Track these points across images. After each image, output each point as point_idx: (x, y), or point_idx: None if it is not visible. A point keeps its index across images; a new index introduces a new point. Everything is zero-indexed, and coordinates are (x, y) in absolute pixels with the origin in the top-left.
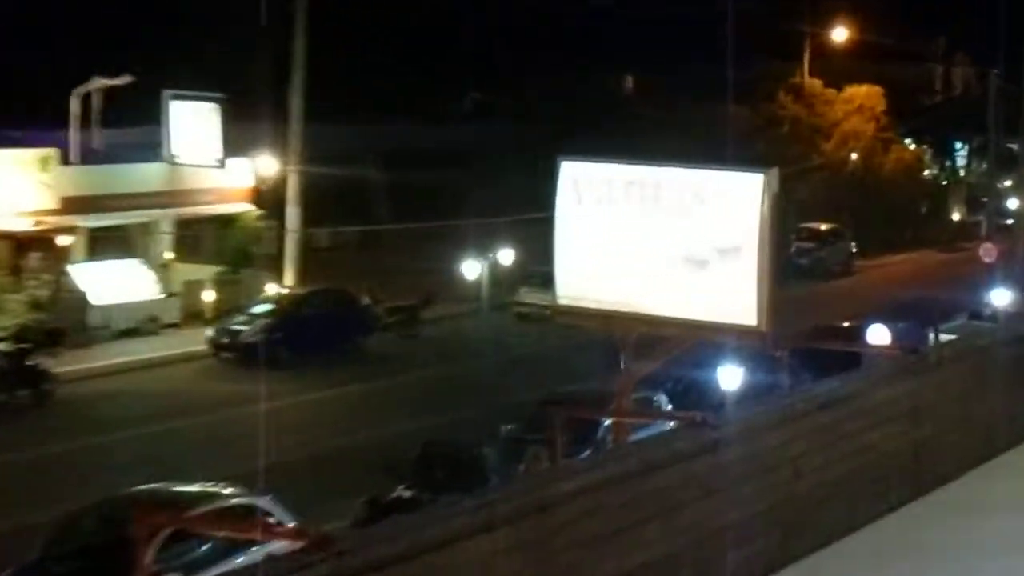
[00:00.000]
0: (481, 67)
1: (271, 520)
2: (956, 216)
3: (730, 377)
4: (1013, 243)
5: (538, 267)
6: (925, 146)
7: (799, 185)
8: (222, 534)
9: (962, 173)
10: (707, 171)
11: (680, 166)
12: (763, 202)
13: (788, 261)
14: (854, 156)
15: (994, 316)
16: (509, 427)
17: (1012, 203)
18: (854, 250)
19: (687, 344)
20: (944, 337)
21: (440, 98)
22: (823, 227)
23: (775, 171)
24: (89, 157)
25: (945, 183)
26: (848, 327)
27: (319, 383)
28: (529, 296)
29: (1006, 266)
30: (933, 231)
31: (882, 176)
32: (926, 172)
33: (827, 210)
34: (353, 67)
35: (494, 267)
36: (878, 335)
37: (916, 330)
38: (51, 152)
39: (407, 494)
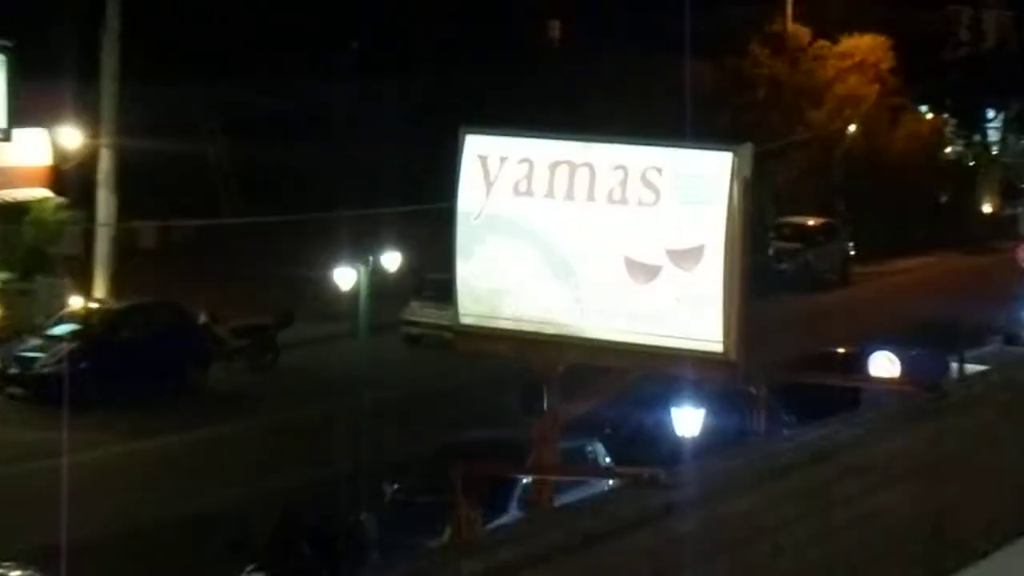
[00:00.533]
0: (364, 9)
1: None
2: (987, 208)
3: (688, 421)
4: None
5: (434, 274)
6: (946, 116)
7: (780, 167)
8: None
9: (995, 151)
10: (657, 148)
11: (622, 141)
12: (732, 189)
13: (765, 267)
14: (852, 128)
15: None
16: (395, 487)
17: None
18: (852, 252)
19: (632, 378)
20: (971, 368)
21: (308, 49)
22: (811, 222)
23: (748, 148)
24: None
25: (972, 164)
26: (844, 355)
27: (140, 430)
28: (422, 313)
29: None
30: (956, 227)
31: (889, 155)
32: (947, 150)
33: (817, 200)
34: (193, 8)
35: (376, 274)
36: (884, 365)
37: (934, 359)
38: None
39: None
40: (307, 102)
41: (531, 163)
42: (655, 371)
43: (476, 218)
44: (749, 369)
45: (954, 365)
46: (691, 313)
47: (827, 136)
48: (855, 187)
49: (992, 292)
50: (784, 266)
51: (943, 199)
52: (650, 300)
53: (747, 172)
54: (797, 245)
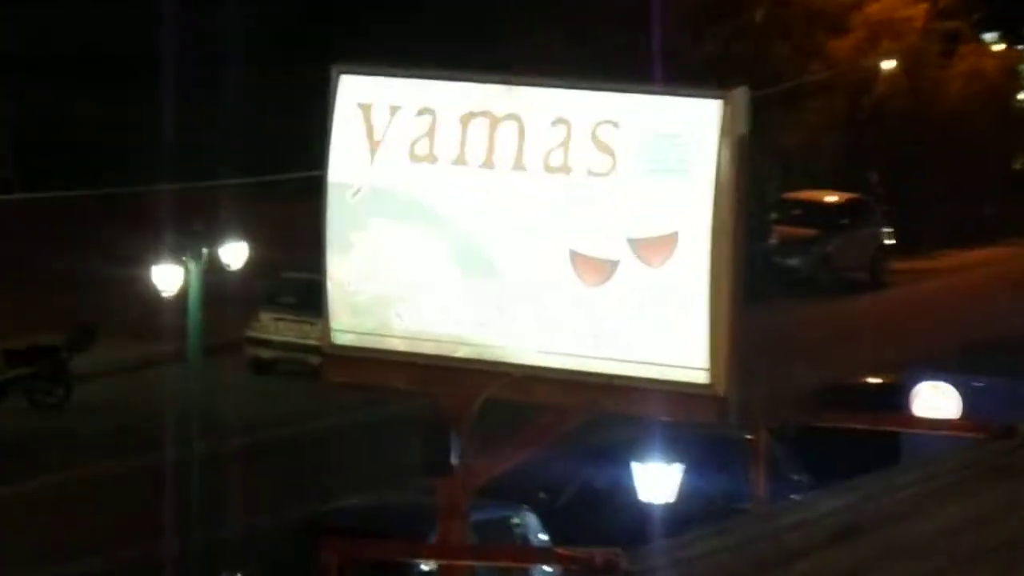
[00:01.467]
0: None
1: None
2: None
3: (658, 481)
4: None
5: (295, 273)
6: (1022, 47)
7: (787, 120)
8: None
9: None
10: (614, 94)
11: (563, 84)
12: (719, 153)
13: (767, 262)
14: (889, 65)
15: None
16: None
17: None
18: (889, 241)
19: (578, 420)
20: None
21: None
22: (831, 199)
23: (742, 94)
24: None
25: None
26: (878, 387)
27: None
28: (277, 328)
29: None
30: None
31: (942, 104)
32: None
33: (840, 167)
34: None
35: (213, 272)
36: (935, 401)
37: (1006, 392)
38: None
39: None
40: (121, 35)
41: (434, 115)
42: (611, 411)
43: (355, 194)
44: (744, 407)
45: None
46: (662, 327)
47: (854, 77)
48: (894, 149)
49: None
50: (793, 261)
51: (1018, 165)
52: (604, 309)
53: (741, 128)
54: (811, 232)
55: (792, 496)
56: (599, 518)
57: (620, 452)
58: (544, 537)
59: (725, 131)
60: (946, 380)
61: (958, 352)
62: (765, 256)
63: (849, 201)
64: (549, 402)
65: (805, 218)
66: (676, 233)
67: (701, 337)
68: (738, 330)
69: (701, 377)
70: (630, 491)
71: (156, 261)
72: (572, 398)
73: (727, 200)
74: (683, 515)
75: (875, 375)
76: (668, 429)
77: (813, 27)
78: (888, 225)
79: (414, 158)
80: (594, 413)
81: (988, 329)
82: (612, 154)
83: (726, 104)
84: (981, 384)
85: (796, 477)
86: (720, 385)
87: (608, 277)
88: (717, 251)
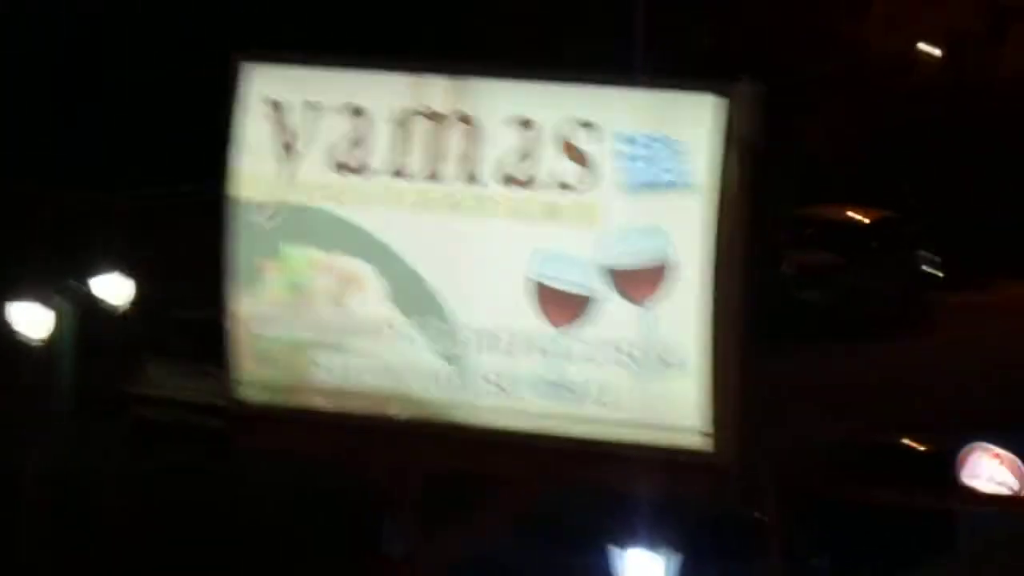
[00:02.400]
0: None
1: None
2: None
3: (643, 573)
4: None
5: (189, 311)
6: None
7: (803, 118)
8: None
9: None
10: (589, 88)
11: (527, 76)
12: (721, 160)
13: (778, 295)
14: (928, 50)
15: None
16: None
17: None
18: (931, 269)
19: (542, 494)
20: None
21: None
22: (859, 217)
23: (750, 88)
24: None
25: None
26: (922, 453)
27: None
28: (167, 383)
29: None
30: None
31: (996, 94)
32: None
33: (868, 177)
34: None
35: (82, 310)
36: (993, 471)
37: None
38: None
39: None
40: None
41: (366, 115)
42: (585, 483)
43: (266, 214)
44: (753, 477)
45: None
46: (649, 380)
47: (884, 62)
48: (936, 153)
49: None
50: (810, 295)
51: None
52: (576, 357)
53: (750, 129)
54: (834, 258)
55: None
56: None
57: (597, 536)
58: None
59: (729, 133)
60: (1003, 445)
61: (1020, 411)
62: (776, 288)
63: (880, 219)
64: (508, 473)
65: (824, 241)
66: (666, 262)
67: (699, 392)
68: (744, 382)
69: (699, 442)
70: None
71: (14, 298)
72: (537, 468)
73: (730, 220)
74: None
75: (914, 436)
76: (655, 507)
77: (832, 4)
78: (930, 250)
79: (339, 169)
80: (564, 486)
81: None
82: (586, 163)
83: (730, 101)
84: None
85: (815, 562)
86: (723, 452)
87: (580, 316)
88: (718, 285)
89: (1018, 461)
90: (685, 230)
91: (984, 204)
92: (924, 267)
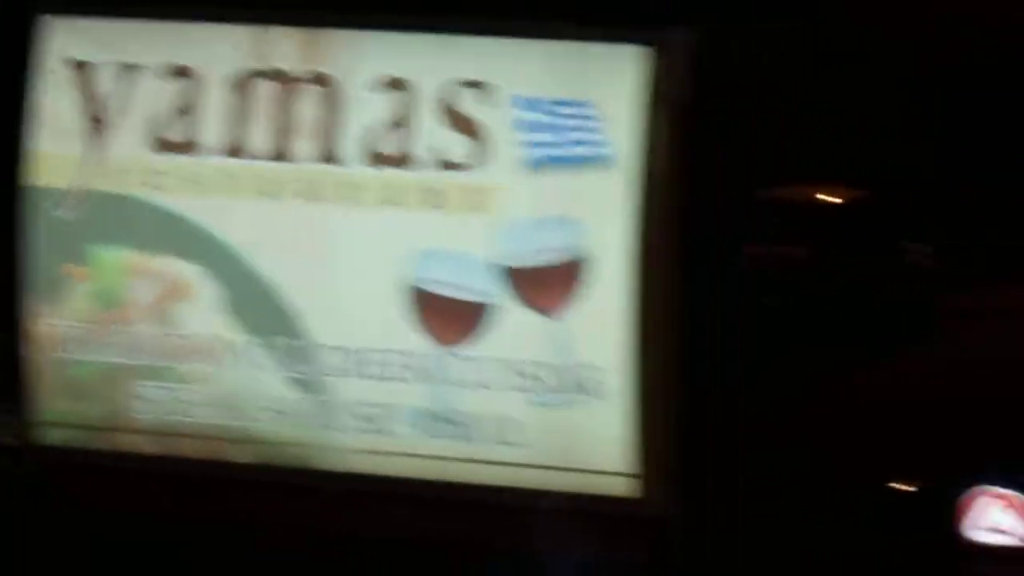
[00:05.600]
0: None
1: None
2: None
3: None
4: None
5: None
6: None
7: (762, 76)
8: None
9: None
10: (480, 39)
11: (401, 27)
12: (650, 129)
13: (733, 300)
14: None
15: None
16: None
17: None
18: (930, 265)
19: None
20: None
21: None
22: (832, 199)
23: (686, 35)
24: None
25: None
26: (911, 494)
27: None
28: None
29: None
30: None
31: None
32: None
33: (853, 148)
34: None
35: None
36: (999, 519)
37: None
38: None
39: None
40: None
41: (194, 78)
42: (484, 542)
43: (72, 208)
44: (698, 529)
45: None
46: (560, 408)
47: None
48: (942, 123)
49: None
50: (774, 297)
51: None
52: (472, 381)
53: (684, 89)
54: (802, 251)
55: None
56: None
57: None
58: None
59: (655, 95)
60: (1013, 487)
61: None
62: (731, 291)
63: (861, 201)
64: (383, 532)
65: (792, 230)
66: (579, 259)
67: (623, 425)
68: (684, 412)
69: (625, 488)
70: None
71: None
72: (420, 525)
73: (660, 205)
74: None
75: (904, 478)
76: (571, 567)
77: None
78: (928, 240)
79: (161, 147)
80: (457, 546)
81: None
82: (477, 134)
83: (657, 52)
84: None
85: None
86: (654, 499)
87: (473, 331)
88: (646, 287)
89: None
90: (603, 219)
91: (1004, 180)
92: (919, 262)
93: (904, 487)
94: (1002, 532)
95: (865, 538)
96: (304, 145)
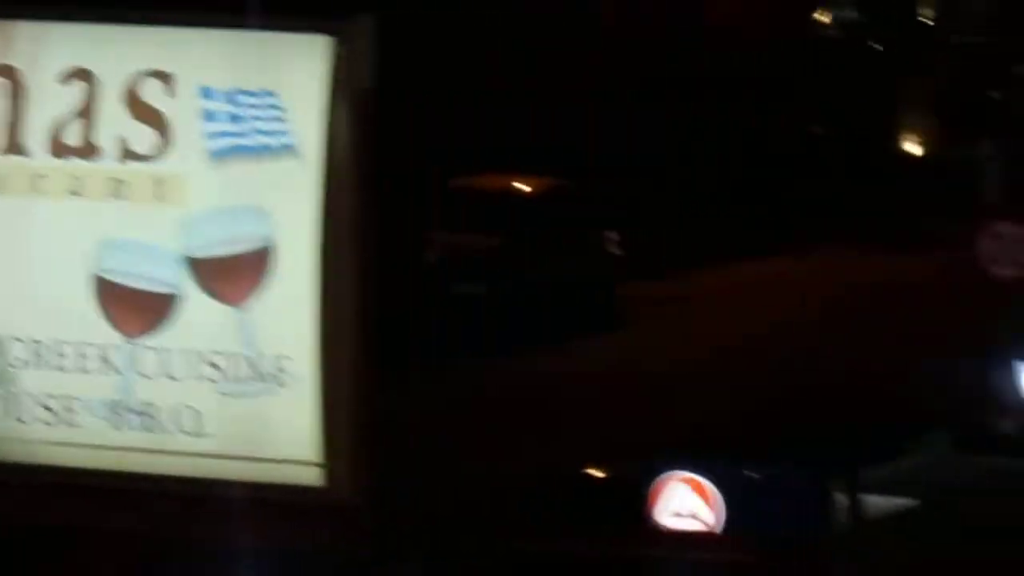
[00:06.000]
0: None
1: None
2: (914, 146)
3: None
4: None
5: None
6: None
7: (458, 67)
8: None
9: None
10: (164, 29)
11: (82, 16)
12: (332, 118)
13: (426, 286)
14: None
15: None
16: None
17: None
18: (619, 251)
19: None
20: (877, 504)
21: None
22: (524, 186)
23: (365, 25)
24: None
25: (882, 50)
26: (603, 481)
27: None
28: None
29: None
30: (851, 188)
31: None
32: (824, 17)
33: (544, 137)
34: None
35: None
36: (689, 503)
37: (798, 488)
38: None
39: None
40: None
41: None
42: (173, 534)
43: None
44: (388, 520)
45: (841, 499)
46: (246, 397)
47: None
48: (621, 96)
49: (930, 336)
50: (467, 286)
51: (819, 128)
52: (156, 371)
53: (367, 78)
54: (494, 240)
55: None
56: None
57: None
58: None
59: (338, 84)
60: (704, 472)
61: (725, 429)
62: (424, 280)
63: (553, 188)
64: (73, 523)
65: (485, 218)
66: (265, 249)
67: (310, 413)
68: (372, 400)
69: (312, 477)
70: None
71: None
72: (109, 516)
73: (344, 194)
74: None
75: (597, 465)
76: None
77: None
78: (616, 227)
79: None
80: (143, 535)
81: (773, 393)
82: (161, 124)
83: (340, 40)
84: (758, 478)
85: None
86: (340, 488)
87: (159, 321)
88: (333, 277)
89: (712, 487)
90: (288, 208)
91: (688, 167)
92: (609, 249)
93: (596, 473)
94: (690, 517)
95: (558, 524)
96: None
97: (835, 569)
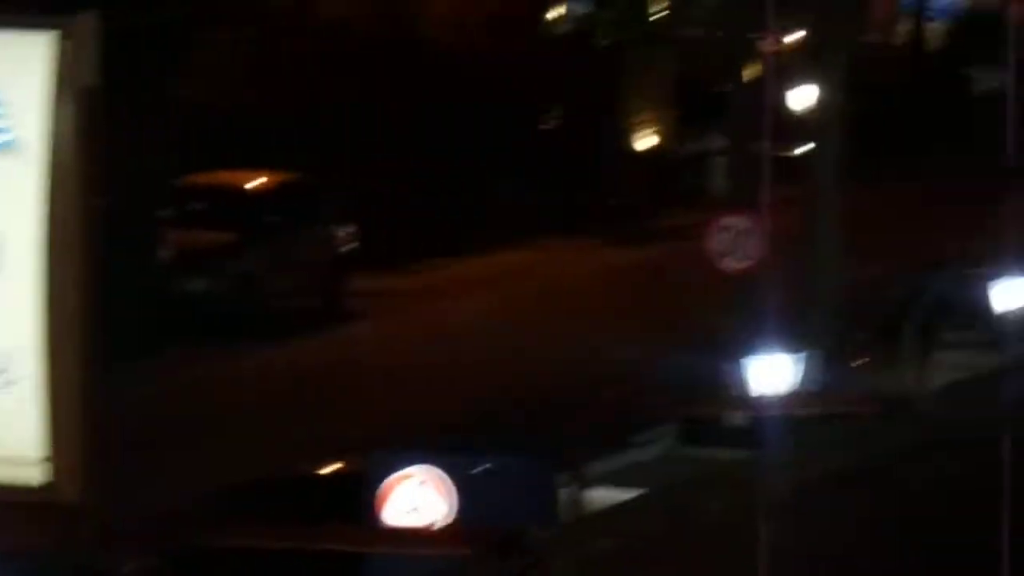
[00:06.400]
0: None
1: None
2: (645, 140)
3: None
4: (816, 210)
5: None
6: None
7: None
8: None
9: (658, 14)
10: None
11: None
12: (53, 114)
13: (156, 283)
14: None
15: (744, 428)
16: None
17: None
18: (350, 246)
19: None
20: (603, 496)
21: None
22: (255, 184)
23: (89, 23)
24: None
25: (610, 44)
26: (335, 478)
27: None
28: None
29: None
30: (583, 184)
31: (426, 30)
32: (554, 14)
33: (274, 135)
34: None
35: None
36: (416, 498)
37: (526, 479)
38: None
39: None
40: None
41: None
42: None
43: None
44: (114, 519)
45: (566, 491)
46: None
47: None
48: (351, 101)
49: (660, 329)
50: (199, 284)
51: (550, 122)
52: None
53: (89, 75)
54: (226, 237)
55: None
56: None
57: None
58: None
59: (62, 81)
60: (433, 465)
61: (456, 423)
62: (157, 278)
63: (284, 185)
64: None
65: (216, 216)
66: None
67: (35, 411)
68: (94, 398)
69: (33, 474)
70: None
71: None
72: None
73: (67, 191)
74: None
75: (326, 460)
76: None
77: None
78: (348, 222)
79: None
80: None
81: (503, 388)
82: None
83: (62, 38)
84: (484, 469)
85: None
86: (68, 487)
87: None
88: (57, 274)
89: (450, 482)
90: (10, 207)
91: (410, 167)
92: (340, 245)
93: (326, 469)
94: (423, 510)
95: (286, 520)
96: None
97: (555, 559)
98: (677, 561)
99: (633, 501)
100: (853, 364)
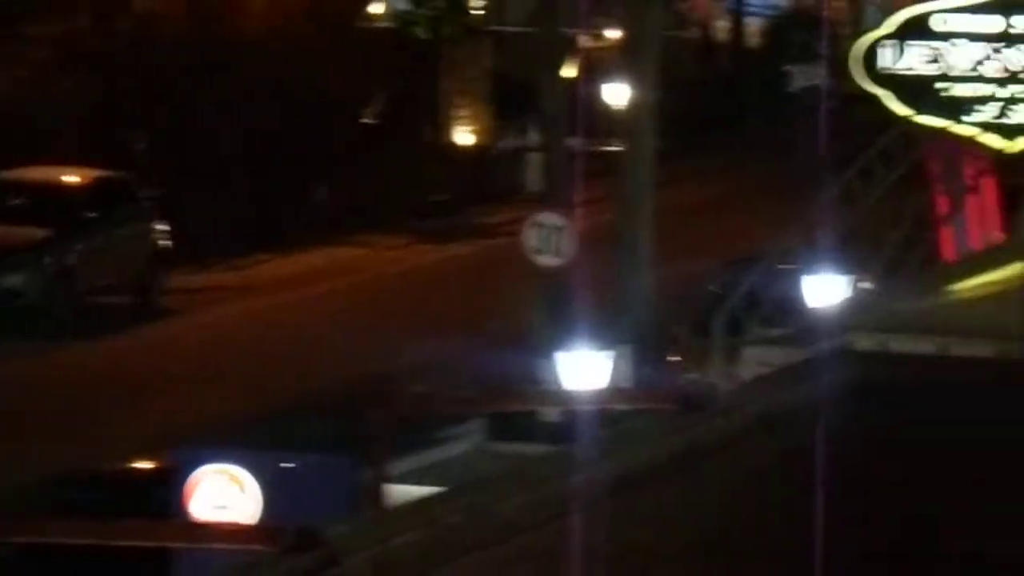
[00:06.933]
0: None
1: None
2: (466, 137)
3: None
4: (629, 206)
5: None
6: None
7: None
8: None
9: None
10: None
11: None
12: None
13: None
14: None
15: (552, 424)
16: None
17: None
18: (165, 243)
19: None
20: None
21: None
22: (70, 180)
23: None
24: None
25: (432, 38)
26: (140, 473)
27: None
28: None
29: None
30: (400, 181)
31: (242, 24)
32: (376, 8)
33: (89, 130)
34: None
35: None
36: (222, 495)
37: (332, 474)
38: None
39: None
40: None
41: None
42: None
43: None
44: None
45: (368, 488)
46: None
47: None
48: (167, 97)
49: (472, 325)
50: (12, 280)
51: (370, 119)
52: None
53: None
54: (40, 233)
55: None
56: None
57: None
58: None
59: None
60: (239, 462)
61: (262, 419)
62: None
63: (99, 182)
64: None
65: (30, 211)
66: None
67: None
68: None
69: None
70: None
71: None
72: None
73: None
74: None
75: (132, 457)
76: None
77: None
78: (162, 220)
79: None
80: None
81: (309, 384)
82: None
83: None
84: (290, 466)
85: None
86: None
87: None
88: None
89: (251, 482)
90: None
91: (221, 164)
92: (156, 242)
93: (132, 466)
94: (228, 507)
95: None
96: None
97: (351, 555)
98: (475, 556)
99: (433, 496)
100: (667, 359)
